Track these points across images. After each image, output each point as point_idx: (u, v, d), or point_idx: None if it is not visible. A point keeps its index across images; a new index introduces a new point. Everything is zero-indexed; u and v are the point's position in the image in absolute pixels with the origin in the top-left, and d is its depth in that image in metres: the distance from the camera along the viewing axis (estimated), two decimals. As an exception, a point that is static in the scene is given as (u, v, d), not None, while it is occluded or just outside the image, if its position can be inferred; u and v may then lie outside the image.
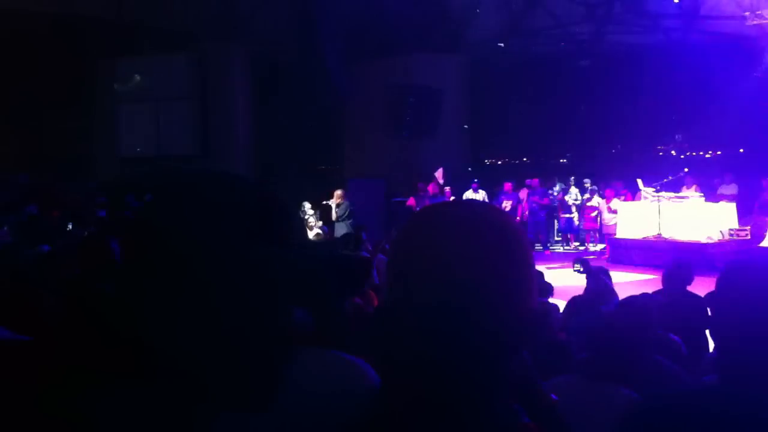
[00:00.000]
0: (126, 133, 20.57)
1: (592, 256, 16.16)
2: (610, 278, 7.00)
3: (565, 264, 12.32)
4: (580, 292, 6.73)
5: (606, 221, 17.18)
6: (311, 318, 2.21)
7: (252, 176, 20.36)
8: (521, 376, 1.51)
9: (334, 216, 15.42)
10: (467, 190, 17.56)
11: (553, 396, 1.61)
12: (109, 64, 20.78)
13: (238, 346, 1.03)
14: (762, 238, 14.29)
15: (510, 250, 1.22)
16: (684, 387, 3.50)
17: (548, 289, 7.16)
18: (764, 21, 17.67)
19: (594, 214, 17.85)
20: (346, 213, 15.48)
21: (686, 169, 17.13)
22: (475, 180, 17.85)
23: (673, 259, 7.51)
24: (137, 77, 20.29)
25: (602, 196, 17.69)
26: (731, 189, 16.48)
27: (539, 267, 8.32)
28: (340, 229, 14.79)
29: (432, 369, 1.15)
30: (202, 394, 1.02)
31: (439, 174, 16.59)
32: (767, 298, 1.66)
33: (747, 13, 17.89)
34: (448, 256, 1.18)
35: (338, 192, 15.93)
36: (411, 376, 1.16)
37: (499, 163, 28.11)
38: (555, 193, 18.43)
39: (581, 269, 6.95)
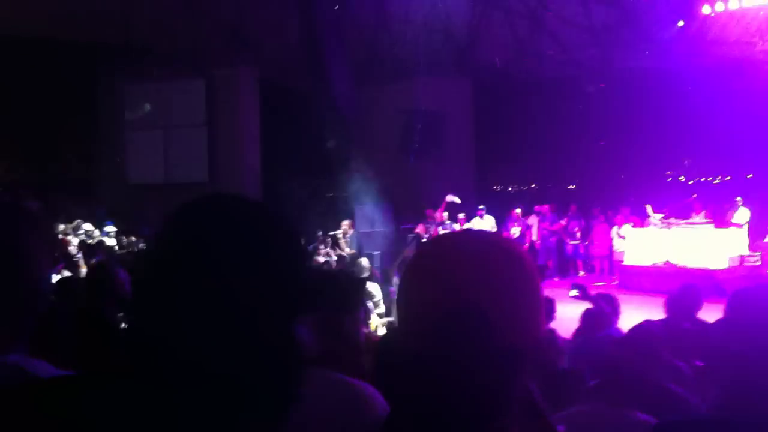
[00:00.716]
0: (134, 158, 20.67)
1: (601, 283, 16.08)
2: (610, 304, 6.94)
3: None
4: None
5: (616, 248, 17.10)
6: (313, 337, 2.21)
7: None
8: (527, 405, 1.48)
9: (342, 246, 15.34)
10: (474, 216, 17.50)
11: (560, 428, 1.59)
12: (118, 90, 20.93)
13: (261, 356, 1.10)
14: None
15: (517, 279, 1.24)
16: (696, 414, 3.49)
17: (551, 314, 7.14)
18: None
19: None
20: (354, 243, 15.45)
21: (695, 195, 17.06)
22: (481, 206, 17.79)
23: (681, 285, 7.44)
24: (146, 103, 20.42)
25: (611, 223, 17.60)
26: (742, 214, 16.38)
27: (549, 293, 8.28)
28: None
29: (437, 398, 1.16)
30: (232, 400, 1.08)
31: (450, 198, 16.49)
32: None
33: (755, 39, 17.90)
34: (456, 285, 1.20)
35: (346, 222, 15.87)
36: (416, 405, 1.18)
37: (507, 189, 28.10)
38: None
39: (577, 294, 6.91)
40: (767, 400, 1.70)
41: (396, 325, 1.40)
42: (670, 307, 6.84)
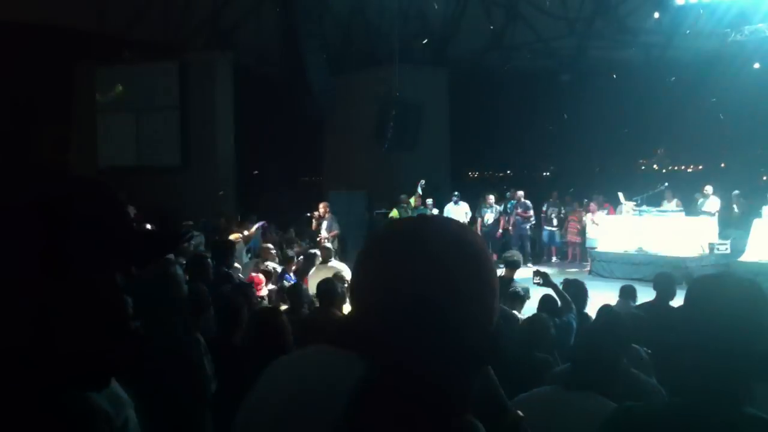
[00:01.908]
0: (106, 143, 20.46)
1: (573, 270, 16.20)
2: (585, 294, 7.03)
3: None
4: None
5: (589, 235, 17.20)
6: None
7: (234, 187, 20.40)
8: (485, 393, 1.48)
9: (320, 230, 15.24)
10: (448, 202, 17.55)
11: (520, 413, 1.59)
12: (90, 74, 20.70)
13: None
14: (741, 251, 14.37)
15: (471, 267, 1.22)
16: (661, 400, 3.53)
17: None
18: (743, 38, 17.84)
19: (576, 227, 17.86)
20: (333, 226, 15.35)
21: (666, 183, 17.20)
22: (456, 193, 17.84)
23: (657, 274, 7.58)
24: (118, 87, 20.21)
25: (585, 211, 17.70)
26: (713, 203, 16.55)
27: (521, 279, 8.36)
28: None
29: (393, 384, 1.14)
30: None
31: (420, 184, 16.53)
32: (729, 317, 1.74)
33: (726, 30, 18.06)
34: (408, 271, 1.19)
35: (322, 204, 15.79)
36: (376, 399, 1.15)
37: (482, 176, 28.22)
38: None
39: (540, 281, 7.01)
40: (723, 387, 1.74)
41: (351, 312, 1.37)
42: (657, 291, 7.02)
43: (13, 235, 1.06)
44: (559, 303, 6.54)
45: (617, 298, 7.68)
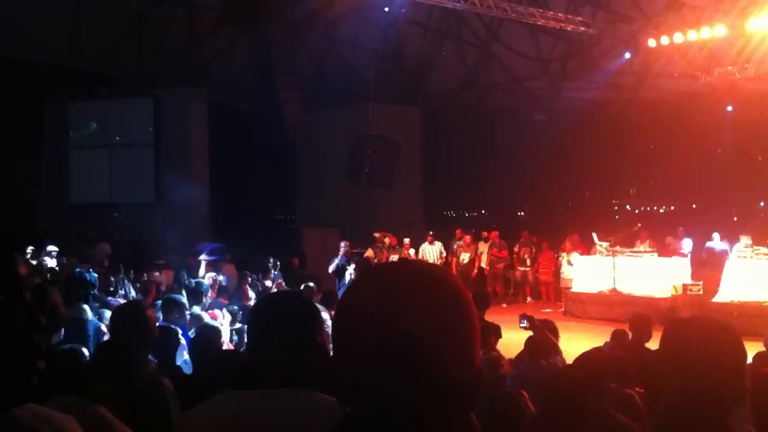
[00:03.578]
0: (79, 178, 20.30)
1: (548, 310, 16.17)
2: (557, 334, 7.02)
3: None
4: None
5: (564, 275, 17.22)
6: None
7: (207, 224, 20.25)
8: None
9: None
10: (423, 242, 17.55)
11: None
12: (63, 109, 20.59)
13: None
14: (714, 292, 14.44)
15: (453, 310, 1.24)
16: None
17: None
18: (715, 80, 18.13)
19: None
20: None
21: (639, 225, 17.31)
22: (431, 232, 17.85)
23: (633, 314, 7.57)
24: (91, 123, 20.10)
25: (558, 251, 17.72)
26: (685, 244, 16.68)
27: (495, 319, 8.31)
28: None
29: (376, 426, 1.16)
30: None
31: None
32: (703, 360, 1.79)
33: (698, 72, 18.35)
34: (392, 316, 1.20)
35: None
36: None
37: (456, 215, 28.29)
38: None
39: (526, 325, 6.98)
40: (692, 426, 1.77)
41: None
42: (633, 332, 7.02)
43: None
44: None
45: (600, 338, 7.68)
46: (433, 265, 1.40)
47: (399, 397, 1.15)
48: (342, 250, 14.80)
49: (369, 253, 16.03)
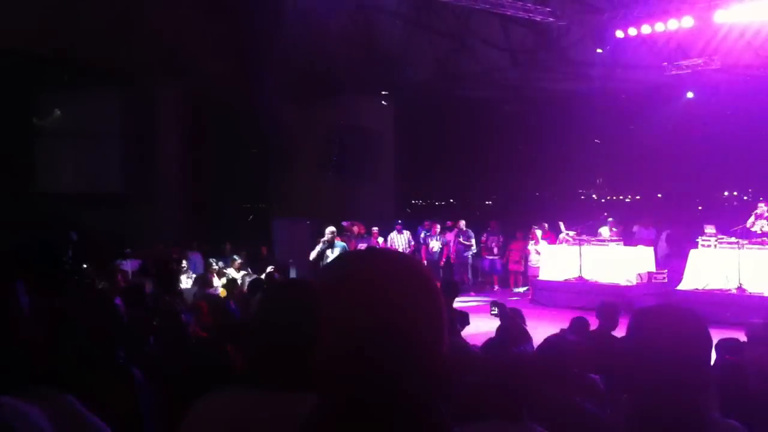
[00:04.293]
0: (44, 168, 20.01)
1: (515, 298, 16.32)
2: (524, 321, 7.09)
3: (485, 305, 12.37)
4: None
5: (532, 263, 17.36)
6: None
7: (177, 215, 20.13)
8: (432, 424, 1.47)
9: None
10: (392, 231, 17.61)
11: None
12: (32, 97, 20.25)
13: None
14: (678, 281, 14.64)
15: (426, 299, 1.25)
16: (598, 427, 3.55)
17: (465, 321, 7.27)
18: (681, 71, 18.31)
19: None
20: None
21: (607, 214, 17.52)
22: (399, 221, 17.91)
23: (602, 302, 7.61)
24: (59, 111, 19.81)
25: (527, 239, 17.86)
26: (649, 233, 16.91)
27: (464, 308, 8.39)
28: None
29: (344, 410, 1.17)
30: None
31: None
32: (670, 347, 1.80)
33: (665, 63, 18.52)
34: (370, 303, 1.21)
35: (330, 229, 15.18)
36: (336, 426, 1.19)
37: (426, 204, 28.35)
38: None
39: (497, 312, 7.03)
40: (663, 415, 1.79)
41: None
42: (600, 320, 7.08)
43: None
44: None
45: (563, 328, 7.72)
46: (402, 254, 1.42)
47: (377, 385, 1.16)
48: (327, 237, 14.67)
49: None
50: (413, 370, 1.18)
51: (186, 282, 12.62)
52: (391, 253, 1.38)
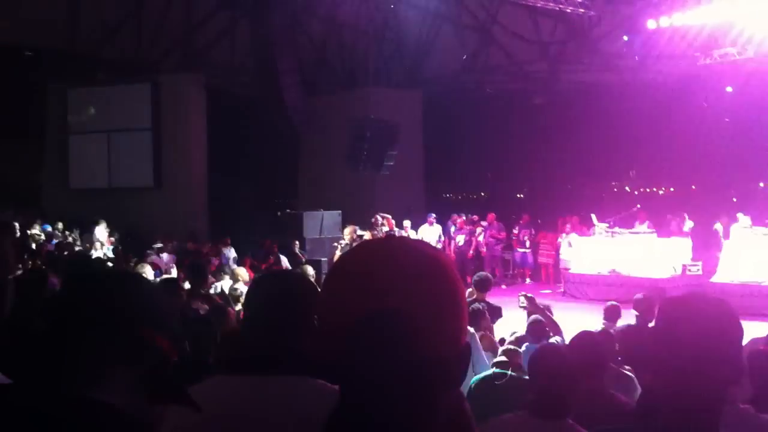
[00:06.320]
0: (78, 164, 20.29)
1: (547, 291, 16.21)
2: (552, 314, 7.02)
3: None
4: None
5: (563, 256, 17.23)
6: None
7: (205, 208, 20.29)
8: (455, 416, 1.45)
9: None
10: (423, 224, 17.59)
11: None
12: (62, 94, 20.55)
13: None
14: (713, 273, 14.46)
15: (440, 286, 1.23)
16: (634, 423, 3.48)
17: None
18: (715, 61, 18.05)
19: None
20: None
21: (638, 206, 17.34)
22: (432, 214, 17.89)
23: (638, 295, 7.48)
24: (90, 108, 20.06)
25: (558, 232, 17.72)
26: (685, 225, 16.71)
27: (495, 301, 8.32)
28: None
29: (360, 406, 1.14)
30: None
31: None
32: (697, 338, 1.74)
33: (698, 53, 18.27)
34: (378, 290, 1.19)
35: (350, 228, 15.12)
36: (341, 414, 1.17)
37: (456, 197, 28.31)
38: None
39: (526, 304, 6.97)
40: (691, 408, 1.75)
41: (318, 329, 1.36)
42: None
43: None
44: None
45: (599, 320, 7.65)
46: (420, 241, 1.40)
47: (383, 373, 1.13)
48: (347, 239, 14.61)
49: (367, 236, 16.03)
50: (424, 359, 1.15)
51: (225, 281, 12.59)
52: (409, 240, 1.37)
